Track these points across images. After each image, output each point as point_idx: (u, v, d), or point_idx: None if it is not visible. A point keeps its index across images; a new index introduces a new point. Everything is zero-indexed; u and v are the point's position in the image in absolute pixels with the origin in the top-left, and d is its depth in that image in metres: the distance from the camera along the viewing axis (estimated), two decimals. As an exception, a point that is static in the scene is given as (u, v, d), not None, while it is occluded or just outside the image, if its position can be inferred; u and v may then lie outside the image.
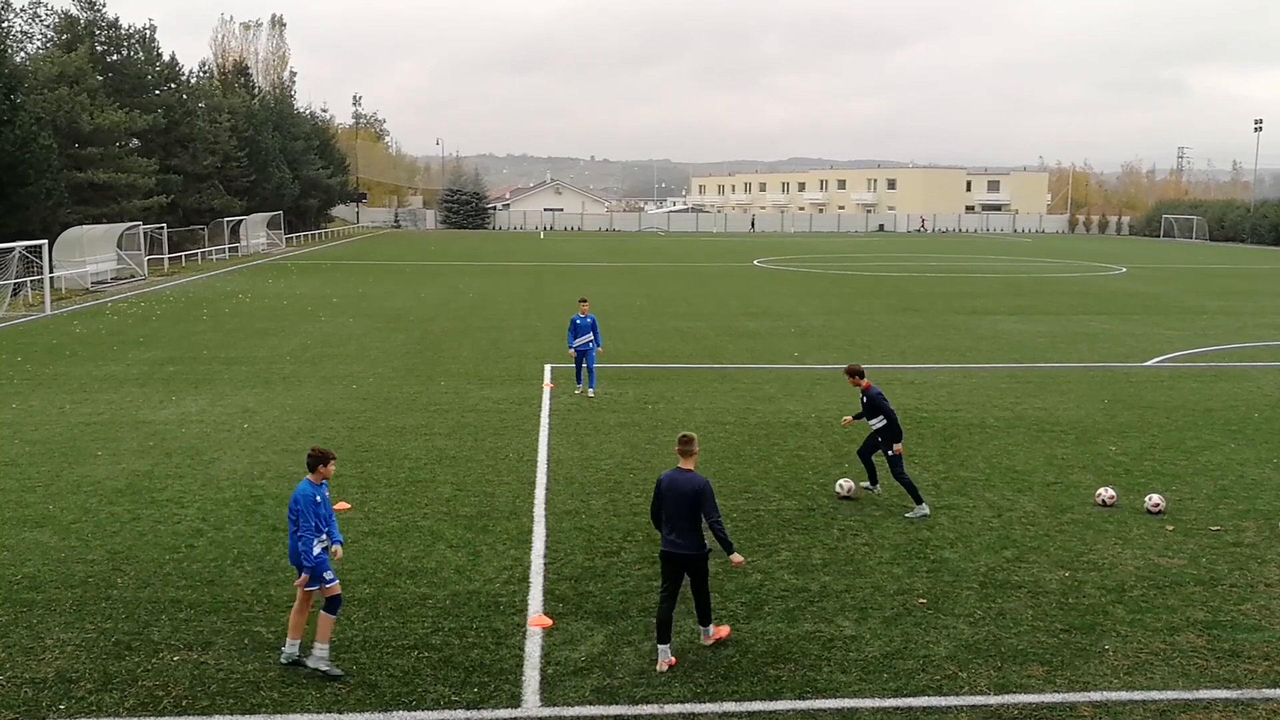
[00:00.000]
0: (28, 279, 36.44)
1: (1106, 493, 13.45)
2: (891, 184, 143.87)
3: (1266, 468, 15.27)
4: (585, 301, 20.84)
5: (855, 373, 13.51)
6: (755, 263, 62.58)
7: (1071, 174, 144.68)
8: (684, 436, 9.28)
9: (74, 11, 60.87)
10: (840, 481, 13.80)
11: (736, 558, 9.06)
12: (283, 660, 8.80)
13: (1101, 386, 21.75)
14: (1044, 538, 12.14)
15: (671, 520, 9.00)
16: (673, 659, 8.88)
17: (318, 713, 8.05)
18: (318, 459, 8.83)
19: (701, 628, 9.31)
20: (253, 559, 11.25)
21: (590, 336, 20.10)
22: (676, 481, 9.02)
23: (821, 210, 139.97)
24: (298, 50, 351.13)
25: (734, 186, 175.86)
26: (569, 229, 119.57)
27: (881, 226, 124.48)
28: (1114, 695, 8.42)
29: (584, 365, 20.27)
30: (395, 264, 59.29)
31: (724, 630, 9.46)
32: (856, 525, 12.51)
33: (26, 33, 58.84)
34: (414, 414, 18.53)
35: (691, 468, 9.14)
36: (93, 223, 47.61)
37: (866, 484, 13.82)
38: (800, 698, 8.34)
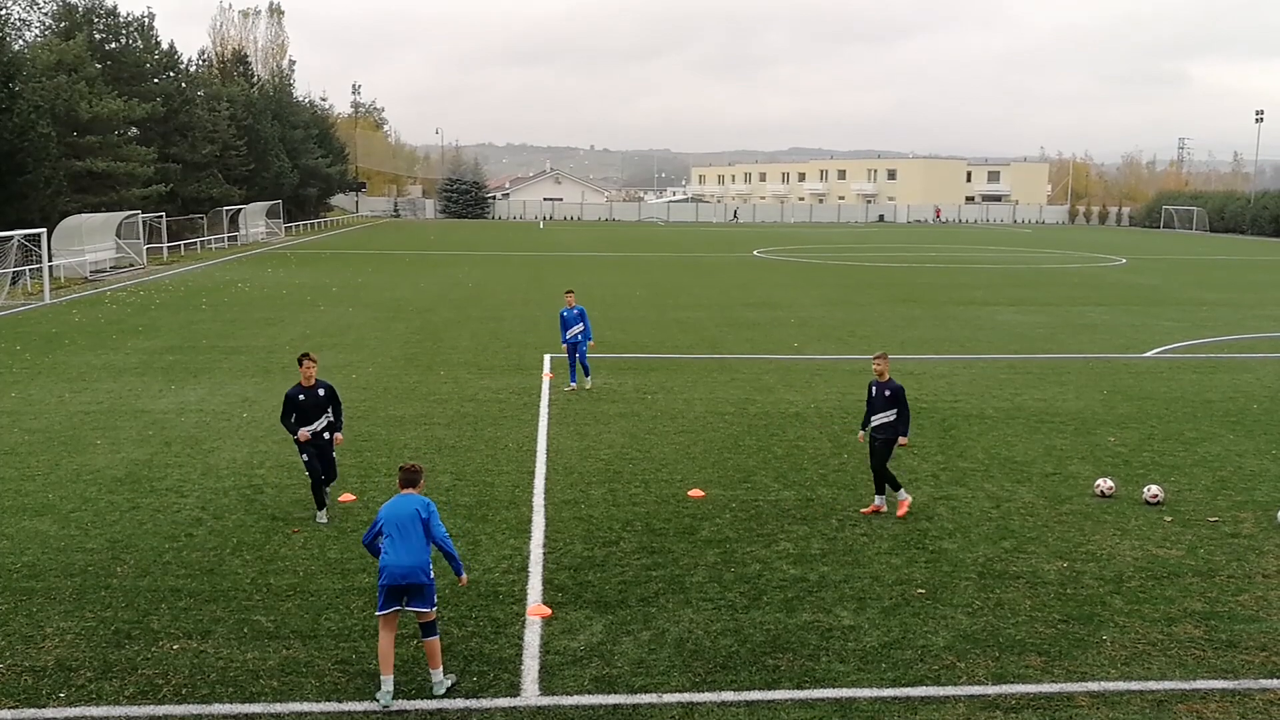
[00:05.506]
0: (26, 268, 36.43)
1: (1105, 483, 13.46)
2: (891, 174, 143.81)
3: (1265, 459, 15.29)
4: (571, 292, 20.13)
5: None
6: (755, 253, 62.53)
7: (1072, 165, 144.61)
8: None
9: (72, -1, 60.72)
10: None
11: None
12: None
13: (1101, 377, 21.76)
14: (1042, 528, 12.16)
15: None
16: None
17: (317, 701, 8.07)
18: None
19: (893, 492, 12.65)
20: (252, 548, 11.26)
21: (580, 328, 19.47)
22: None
23: (821, 201, 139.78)
24: (297, 39, 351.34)
25: (734, 176, 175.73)
26: (568, 218, 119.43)
27: (881, 217, 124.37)
28: (1111, 685, 8.44)
29: (576, 359, 19.72)
30: (394, 253, 59.22)
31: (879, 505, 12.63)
32: (855, 516, 12.52)
33: (25, 20, 58.63)
34: (413, 403, 18.53)
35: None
36: (91, 211, 47.54)
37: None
38: (798, 687, 8.36)
